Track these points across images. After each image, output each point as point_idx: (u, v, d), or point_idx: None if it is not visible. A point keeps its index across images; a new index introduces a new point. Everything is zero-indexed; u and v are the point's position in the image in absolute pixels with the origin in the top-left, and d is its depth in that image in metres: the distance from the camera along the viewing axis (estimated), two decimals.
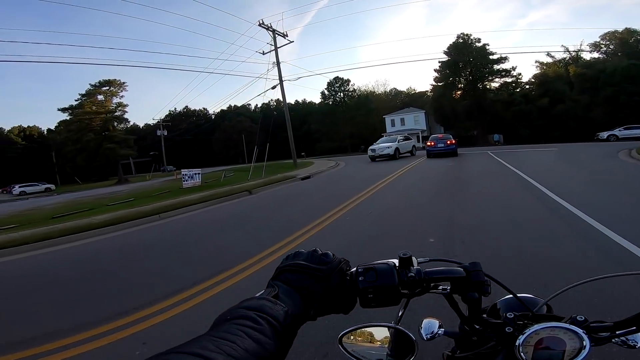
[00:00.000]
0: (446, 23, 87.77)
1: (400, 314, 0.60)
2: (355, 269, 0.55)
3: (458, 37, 41.19)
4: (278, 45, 23.03)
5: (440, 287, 0.59)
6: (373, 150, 20.98)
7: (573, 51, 41.40)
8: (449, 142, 19.25)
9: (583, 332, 0.55)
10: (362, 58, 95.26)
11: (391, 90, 62.91)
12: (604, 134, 28.51)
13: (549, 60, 43.03)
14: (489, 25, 75.66)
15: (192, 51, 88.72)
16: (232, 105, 62.90)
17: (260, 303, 0.42)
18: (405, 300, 0.57)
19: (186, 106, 66.18)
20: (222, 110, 65.41)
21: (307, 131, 55.07)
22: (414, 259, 0.57)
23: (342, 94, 59.52)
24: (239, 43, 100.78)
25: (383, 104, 54.95)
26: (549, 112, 35.72)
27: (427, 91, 47.74)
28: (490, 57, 39.68)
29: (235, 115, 59.29)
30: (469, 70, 40.60)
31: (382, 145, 20.98)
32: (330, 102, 57.92)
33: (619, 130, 28.04)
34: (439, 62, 42.44)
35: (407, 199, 7.37)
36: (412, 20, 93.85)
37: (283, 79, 22.85)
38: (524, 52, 76.13)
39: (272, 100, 69.02)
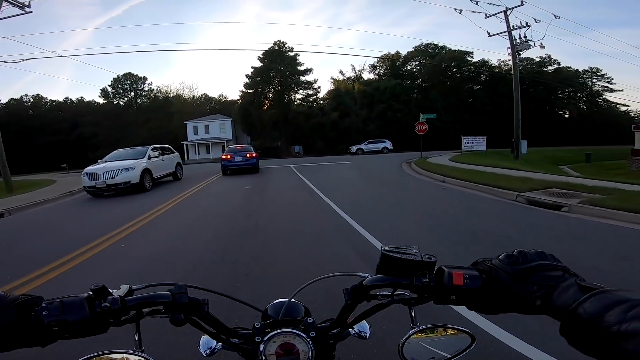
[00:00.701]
0: (270, 33, 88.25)
1: (136, 338, 0.55)
2: None
3: (275, 43, 40.68)
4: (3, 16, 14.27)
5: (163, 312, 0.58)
6: (93, 175, 10.55)
7: (359, 70, 48.91)
8: (248, 155, 16.28)
9: (305, 335, 0.58)
10: (173, 57, 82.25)
11: (201, 95, 57.44)
12: (354, 148, 32.74)
13: (341, 77, 49.34)
14: (303, 38, 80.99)
15: None
16: None
17: None
18: (135, 324, 0.55)
19: None
20: None
21: (80, 136, 42.41)
22: (125, 286, 0.57)
23: (134, 93, 49.89)
24: None
25: (190, 109, 49.27)
26: (339, 125, 39.93)
27: (238, 99, 45.29)
28: (299, 67, 40.97)
29: None
30: (279, 79, 40.64)
31: (114, 166, 10.80)
32: (122, 103, 47.69)
33: (364, 145, 33.17)
34: (252, 67, 40.96)
35: None
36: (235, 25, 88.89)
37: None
38: (326, 52, 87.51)
39: (26, 95, 50.94)
